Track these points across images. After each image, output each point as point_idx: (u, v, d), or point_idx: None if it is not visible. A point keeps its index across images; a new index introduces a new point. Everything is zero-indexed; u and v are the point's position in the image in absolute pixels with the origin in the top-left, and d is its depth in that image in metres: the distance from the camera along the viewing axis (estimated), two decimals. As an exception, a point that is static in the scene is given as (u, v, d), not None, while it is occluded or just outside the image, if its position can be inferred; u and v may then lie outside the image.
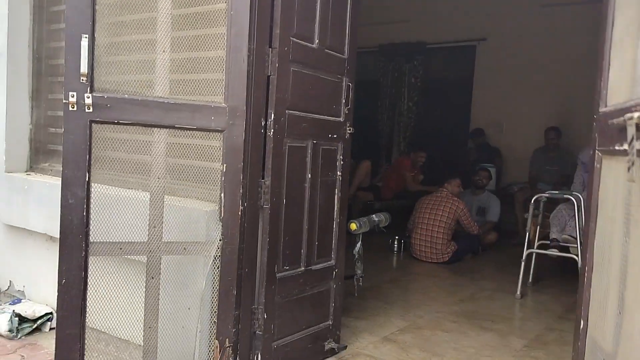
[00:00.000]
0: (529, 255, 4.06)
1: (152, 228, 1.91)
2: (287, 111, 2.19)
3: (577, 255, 3.78)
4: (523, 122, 7.26)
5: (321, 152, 2.39)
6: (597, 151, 1.29)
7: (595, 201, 1.28)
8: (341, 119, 2.51)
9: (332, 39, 2.38)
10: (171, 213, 1.98)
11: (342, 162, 2.54)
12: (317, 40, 2.29)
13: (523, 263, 4.00)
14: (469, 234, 5.14)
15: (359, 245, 2.87)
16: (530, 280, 4.16)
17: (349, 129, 2.55)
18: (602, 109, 1.37)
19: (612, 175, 1.19)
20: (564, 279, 4.35)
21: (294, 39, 2.17)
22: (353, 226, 2.82)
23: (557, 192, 4.18)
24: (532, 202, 4.08)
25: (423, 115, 8.16)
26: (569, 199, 3.93)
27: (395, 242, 5.32)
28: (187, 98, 1.97)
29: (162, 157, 1.92)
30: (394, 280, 4.20)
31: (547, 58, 6.96)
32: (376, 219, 2.99)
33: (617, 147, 1.09)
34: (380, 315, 3.28)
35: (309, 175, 2.34)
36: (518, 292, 3.93)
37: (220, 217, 1.98)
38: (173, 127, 1.91)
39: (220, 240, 1.97)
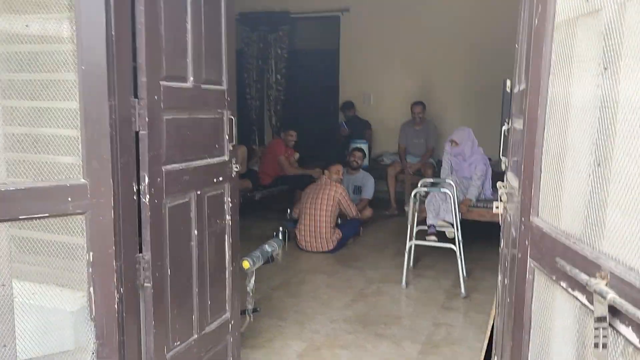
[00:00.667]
0: (412, 246, 4.19)
1: (1, 348, 1.50)
2: (163, 168, 1.84)
3: (453, 241, 3.99)
4: (390, 95, 7.43)
5: (207, 202, 2.09)
6: (529, 260, 1.22)
7: (528, 315, 1.21)
8: (226, 158, 2.21)
9: (208, 72, 2.03)
10: (27, 319, 1.57)
11: (230, 204, 2.26)
12: (191, 78, 1.94)
13: (406, 255, 4.11)
14: (351, 219, 5.18)
15: (252, 282, 2.65)
16: (411, 264, 4.31)
17: (235, 167, 2.26)
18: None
19: (551, 297, 1.12)
20: (440, 256, 4.56)
21: (165, 83, 1.80)
22: (246, 264, 2.58)
23: (433, 186, 4.31)
24: (412, 196, 4.17)
25: (292, 89, 7.96)
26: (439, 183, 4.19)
27: (280, 234, 5.18)
28: (30, 180, 1.53)
29: (5, 258, 1.49)
30: (284, 285, 4.08)
31: (410, 31, 7.11)
32: (269, 249, 2.78)
33: (562, 284, 1.01)
34: (277, 338, 3.14)
35: (195, 232, 2.04)
36: (403, 282, 4.05)
37: (91, 316, 1.62)
38: (17, 220, 1.48)
39: (94, 343, 1.62)
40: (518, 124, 1.53)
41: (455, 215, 4.03)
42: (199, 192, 2.04)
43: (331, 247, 4.86)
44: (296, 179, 6.06)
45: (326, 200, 4.84)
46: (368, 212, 5.69)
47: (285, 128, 6.83)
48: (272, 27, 7.82)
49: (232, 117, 2.20)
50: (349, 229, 5.15)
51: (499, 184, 2.09)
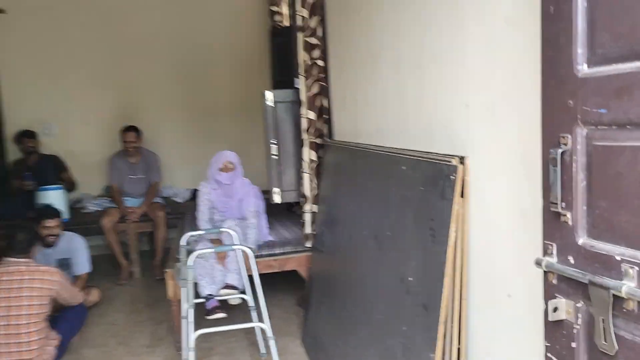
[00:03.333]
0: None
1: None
2: None
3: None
4: (83, 121, 5.65)
5: None
6: None
7: None
8: None
9: None
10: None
11: None
12: None
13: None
14: (69, 309, 3.39)
15: None
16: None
17: None
18: None
19: None
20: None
21: None
22: None
23: (216, 244, 3.06)
24: (184, 241, 2.85)
25: None
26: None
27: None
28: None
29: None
30: None
31: (105, 41, 5.53)
32: None
33: None
34: None
35: None
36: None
37: None
38: None
39: None
40: None
41: (244, 273, 2.95)
42: None
43: (47, 365, 3.01)
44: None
45: (36, 295, 2.95)
46: (95, 295, 3.96)
47: None
48: None
49: None
50: (70, 324, 3.35)
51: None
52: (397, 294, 1.82)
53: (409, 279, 1.72)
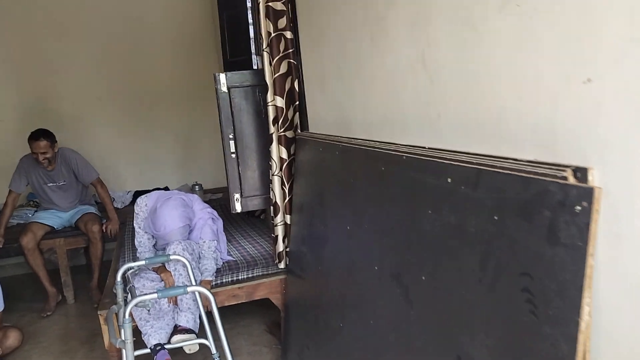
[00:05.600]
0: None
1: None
2: None
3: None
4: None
5: None
6: None
7: None
8: None
9: None
10: None
11: None
12: None
13: None
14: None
15: None
16: None
17: None
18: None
19: None
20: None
21: None
22: None
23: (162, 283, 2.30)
24: (119, 277, 2.08)
25: None
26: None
27: None
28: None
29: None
30: None
31: (5, 16, 4.52)
32: None
33: None
34: None
35: None
36: None
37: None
38: None
39: None
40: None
41: (201, 310, 2.22)
42: None
43: None
44: None
45: None
46: (13, 338, 3.12)
47: None
48: None
49: None
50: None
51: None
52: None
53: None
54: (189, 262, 2.32)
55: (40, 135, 3.70)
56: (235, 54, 3.75)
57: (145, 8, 4.78)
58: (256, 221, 3.71)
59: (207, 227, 2.71)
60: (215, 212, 2.86)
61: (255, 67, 3.63)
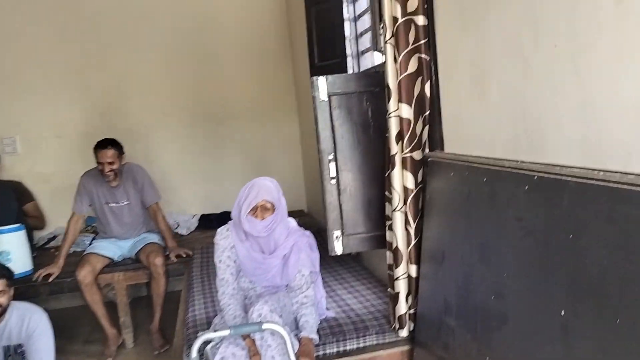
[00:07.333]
0: None
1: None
2: None
3: None
4: (55, 133, 4.28)
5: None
6: None
7: None
8: None
9: None
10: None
11: None
12: None
13: None
14: None
15: None
16: None
17: None
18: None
19: None
20: None
21: None
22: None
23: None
24: (195, 353, 1.46)
25: None
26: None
27: None
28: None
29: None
30: None
31: (66, 28, 4.14)
32: None
33: None
34: None
35: None
36: None
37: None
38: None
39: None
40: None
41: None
42: None
43: None
44: None
45: None
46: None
47: None
48: None
49: None
50: None
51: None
52: None
53: None
54: (287, 334, 1.66)
55: (108, 143, 3.31)
56: (324, 57, 3.13)
57: (217, 9, 4.29)
58: (349, 260, 3.01)
59: (303, 255, 2.04)
60: (313, 242, 2.16)
61: (350, 71, 2.98)
